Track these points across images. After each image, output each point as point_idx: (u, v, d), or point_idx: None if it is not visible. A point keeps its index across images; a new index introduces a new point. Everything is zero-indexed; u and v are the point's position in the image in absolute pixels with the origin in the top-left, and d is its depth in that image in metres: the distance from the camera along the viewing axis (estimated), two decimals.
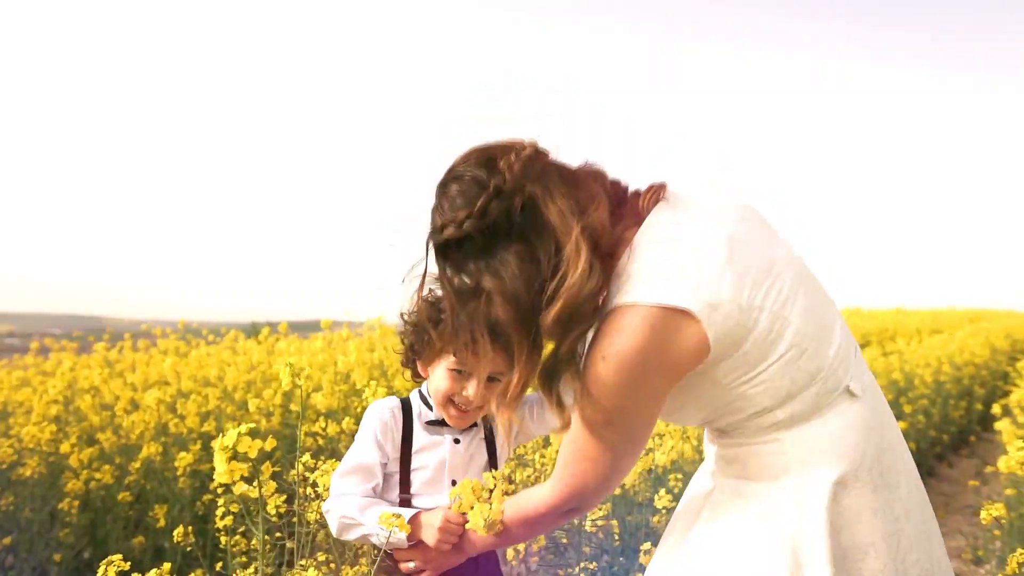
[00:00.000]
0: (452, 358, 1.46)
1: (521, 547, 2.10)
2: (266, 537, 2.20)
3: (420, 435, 1.54)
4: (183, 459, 3.09)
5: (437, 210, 1.18)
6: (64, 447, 3.19)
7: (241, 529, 2.47)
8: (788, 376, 1.09)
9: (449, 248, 1.16)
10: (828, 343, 1.13)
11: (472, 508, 1.34)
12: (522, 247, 1.11)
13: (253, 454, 1.00)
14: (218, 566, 2.38)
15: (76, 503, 2.99)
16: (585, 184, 1.17)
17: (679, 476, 2.71)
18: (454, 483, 1.52)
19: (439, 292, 1.48)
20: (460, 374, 1.47)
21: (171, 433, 3.70)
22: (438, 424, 1.55)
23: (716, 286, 1.07)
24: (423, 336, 1.49)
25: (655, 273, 1.09)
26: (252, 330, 10.08)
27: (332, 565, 2.25)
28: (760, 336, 1.08)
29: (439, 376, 1.49)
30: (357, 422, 3.82)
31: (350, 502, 1.50)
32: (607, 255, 1.13)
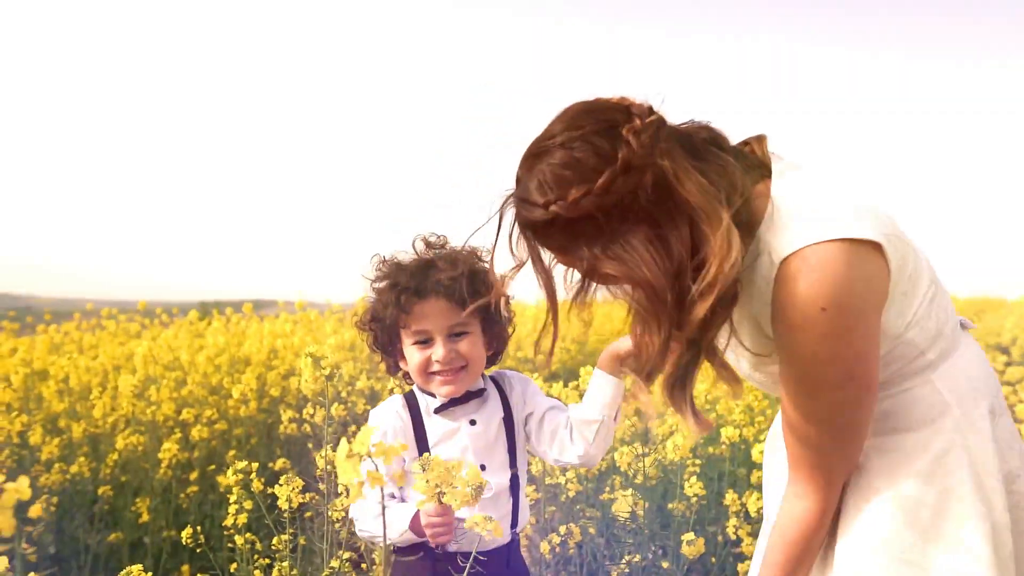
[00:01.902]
0: (407, 333, 1.43)
1: (555, 540, 2.02)
2: (284, 536, 2.06)
3: (434, 426, 1.47)
4: (168, 450, 2.89)
5: (535, 182, 1.02)
6: (34, 438, 2.94)
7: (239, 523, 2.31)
8: (933, 314, 1.05)
9: (552, 227, 1.02)
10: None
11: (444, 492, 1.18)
12: (650, 230, 0.98)
13: (377, 454, 0.87)
14: (232, 567, 2.21)
15: (55, 499, 2.75)
16: (708, 149, 1.04)
17: (697, 462, 2.69)
18: (483, 468, 1.46)
19: (374, 285, 1.47)
20: (424, 343, 1.43)
21: (144, 421, 3.47)
22: (447, 408, 1.47)
23: (880, 219, 1.00)
24: (377, 330, 1.46)
25: (824, 211, 0.99)
26: (203, 310, 9.69)
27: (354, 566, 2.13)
28: (912, 273, 1.02)
29: (409, 356, 1.45)
30: (345, 408, 3.70)
31: (372, 508, 1.40)
32: (746, 220, 1.01)
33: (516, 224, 1.07)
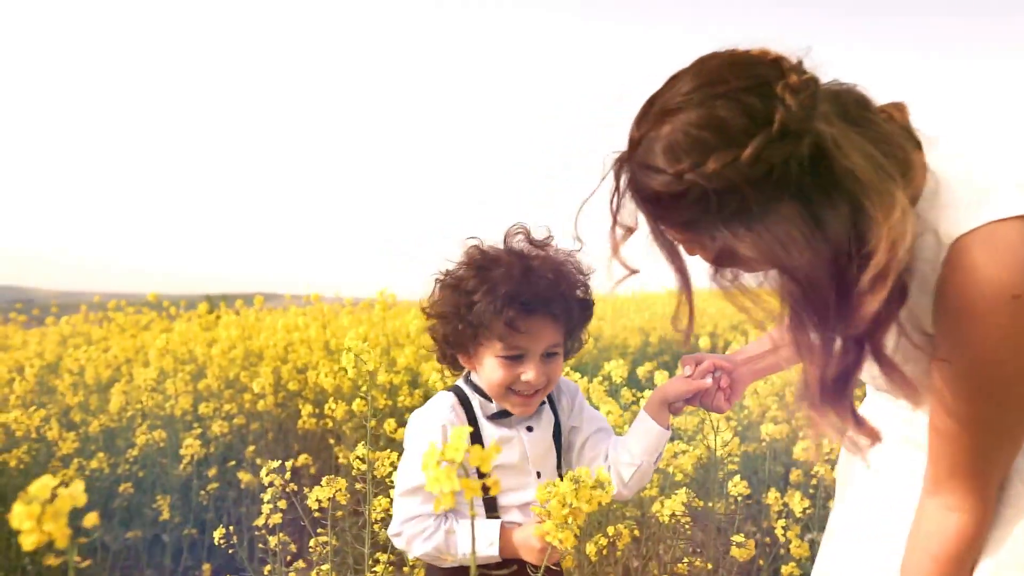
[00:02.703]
0: (499, 344, 1.27)
1: (603, 542, 1.93)
2: (322, 538, 1.98)
3: (489, 429, 1.36)
4: (189, 446, 2.80)
5: (663, 144, 0.86)
6: (52, 433, 2.86)
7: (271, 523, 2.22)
8: None
9: (681, 199, 0.86)
10: None
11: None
12: (802, 208, 0.83)
13: (460, 458, 0.78)
14: (266, 570, 2.13)
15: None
16: (863, 115, 0.89)
17: (735, 459, 2.60)
18: (539, 475, 1.37)
19: (458, 272, 1.32)
20: (513, 360, 1.29)
21: (162, 416, 3.39)
22: (503, 416, 1.37)
23: None
24: (456, 325, 1.30)
25: (999, 185, 0.87)
26: (209, 303, 9.59)
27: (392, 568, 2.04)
28: None
29: (490, 367, 1.30)
30: (366, 403, 3.61)
31: (428, 526, 1.31)
32: (912, 193, 0.88)
33: (630, 194, 0.93)
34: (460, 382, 1.41)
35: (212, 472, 3.16)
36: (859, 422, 0.91)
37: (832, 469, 2.61)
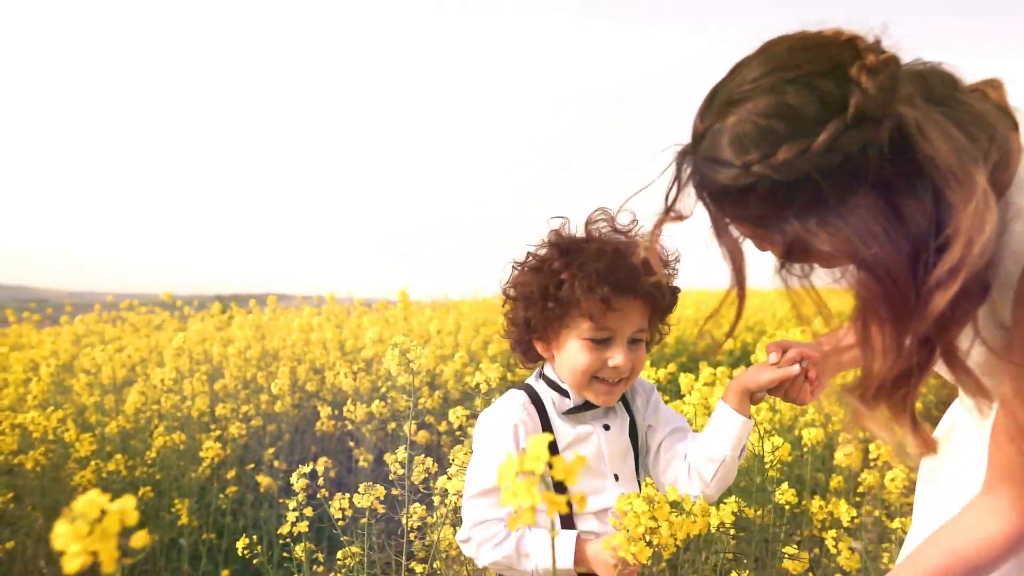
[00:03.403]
0: (586, 326, 1.20)
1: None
2: (353, 548, 1.89)
3: (563, 429, 1.28)
4: (210, 448, 2.72)
5: (729, 136, 0.81)
6: (69, 434, 2.78)
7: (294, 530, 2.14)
8: None
9: (750, 193, 0.81)
10: None
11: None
12: (881, 198, 0.77)
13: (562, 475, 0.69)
14: None
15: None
16: (950, 95, 0.83)
17: (776, 465, 2.50)
18: (616, 478, 1.28)
19: (543, 253, 1.25)
20: (602, 343, 1.22)
21: (179, 417, 3.32)
22: (580, 410, 1.28)
23: None
24: (542, 306, 1.22)
25: None
26: (222, 303, 9.54)
27: None
28: None
29: (574, 351, 1.23)
30: (390, 405, 3.53)
31: (498, 532, 1.22)
32: (1000, 183, 0.81)
33: (695, 189, 0.88)
34: (531, 379, 1.33)
35: (231, 475, 3.08)
36: (916, 427, 0.86)
37: (879, 475, 2.52)
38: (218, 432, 3.13)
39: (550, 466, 0.69)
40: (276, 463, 3.39)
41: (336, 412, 3.63)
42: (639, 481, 1.33)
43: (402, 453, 1.85)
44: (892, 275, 0.78)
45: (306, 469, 1.81)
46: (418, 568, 1.82)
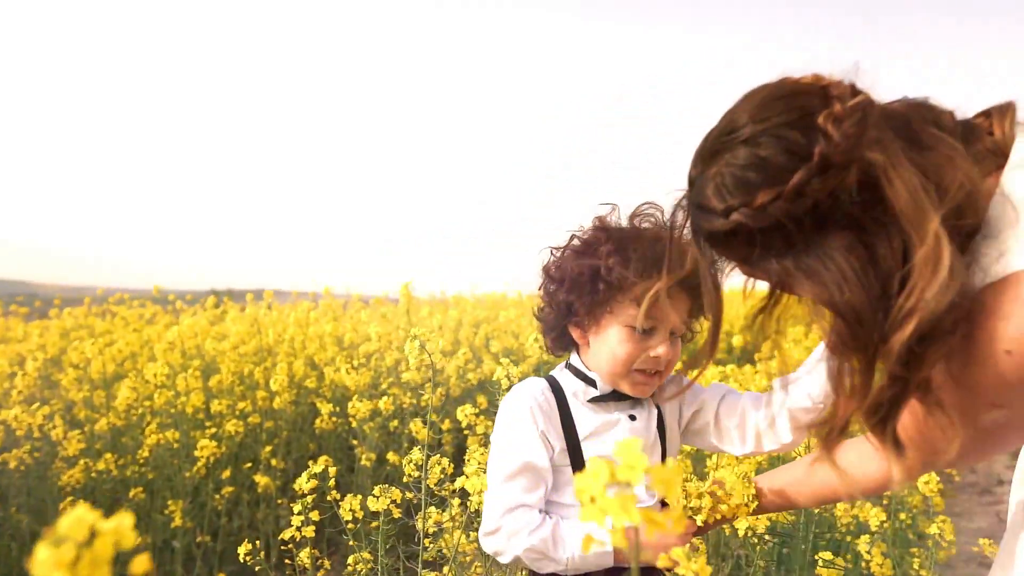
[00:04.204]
0: (632, 312, 1.16)
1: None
2: (366, 554, 1.77)
3: (585, 417, 1.22)
4: (205, 447, 2.60)
5: (712, 185, 0.86)
6: (56, 432, 2.65)
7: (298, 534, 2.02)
8: None
9: (734, 238, 0.86)
10: None
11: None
12: (854, 238, 0.80)
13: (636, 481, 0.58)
14: None
15: (80, 503, 2.46)
16: (929, 133, 0.84)
17: None
18: None
19: (590, 238, 1.22)
20: (643, 332, 1.18)
21: (172, 414, 3.18)
22: (606, 400, 1.23)
23: None
24: (587, 288, 1.18)
25: None
26: (216, 298, 9.39)
27: None
28: None
29: (615, 339, 1.18)
30: (394, 401, 3.41)
31: (533, 518, 1.15)
32: (970, 225, 0.83)
33: (692, 233, 0.94)
34: (555, 371, 1.29)
35: (226, 474, 2.95)
36: (899, 453, 0.86)
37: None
38: (214, 429, 3.00)
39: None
40: (274, 462, 3.27)
41: (337, 409, 3.50)
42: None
43: (417, 454, 1.73)
44: (860, 316, 0.80)
45: (316, 469, 1.68)
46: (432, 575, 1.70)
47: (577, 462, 1.19)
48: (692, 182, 0.91)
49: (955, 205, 0.80)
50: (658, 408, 1.27)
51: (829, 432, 0.89)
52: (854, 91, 0.83)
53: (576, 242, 1.23)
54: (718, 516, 1.26)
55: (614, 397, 1.23)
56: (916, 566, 2.18)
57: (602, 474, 0.57)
